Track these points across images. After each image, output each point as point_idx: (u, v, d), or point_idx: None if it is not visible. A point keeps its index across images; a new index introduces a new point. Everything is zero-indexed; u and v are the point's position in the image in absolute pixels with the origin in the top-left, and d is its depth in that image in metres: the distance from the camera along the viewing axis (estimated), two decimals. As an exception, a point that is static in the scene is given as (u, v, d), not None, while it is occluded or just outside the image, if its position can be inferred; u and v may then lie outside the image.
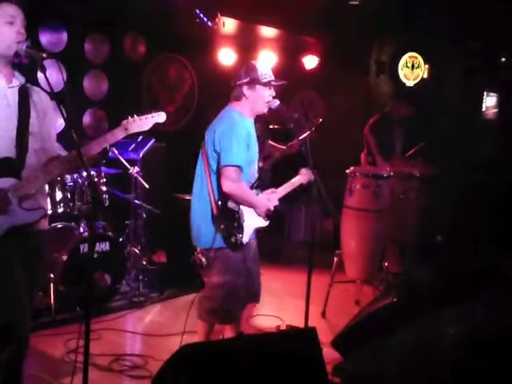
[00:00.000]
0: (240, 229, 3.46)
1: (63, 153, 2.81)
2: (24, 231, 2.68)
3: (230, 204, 3.44)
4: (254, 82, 3.50)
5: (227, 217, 3.43)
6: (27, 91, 2.74)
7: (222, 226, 3.41)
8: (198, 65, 7.50)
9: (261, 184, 3.67)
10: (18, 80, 2.74)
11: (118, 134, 2.75)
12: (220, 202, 3.43)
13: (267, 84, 3.51)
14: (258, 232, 3.75)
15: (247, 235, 3.51)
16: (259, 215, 3.57)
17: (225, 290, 3.50)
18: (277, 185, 3.79)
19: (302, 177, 3.83)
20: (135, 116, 2.78)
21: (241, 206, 3.47)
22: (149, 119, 2.81)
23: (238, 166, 3.37)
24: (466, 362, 2.59)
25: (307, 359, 2.63)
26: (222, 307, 3.54)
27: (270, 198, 3.65)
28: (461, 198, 5.71)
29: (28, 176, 2.65)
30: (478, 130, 7.02)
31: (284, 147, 4.62)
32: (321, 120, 4.26)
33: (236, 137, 3.39)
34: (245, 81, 3.51)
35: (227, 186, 3.35)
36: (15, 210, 2.61)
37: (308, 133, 4.68)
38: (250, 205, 3.50)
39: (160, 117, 2.85)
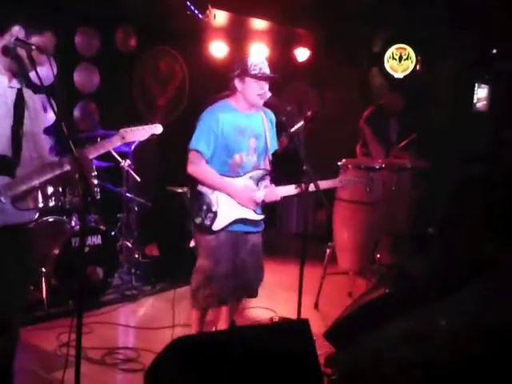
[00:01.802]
0: (210, 213, 3.54)
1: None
2: (15, 228, 2.68)
3: (201, 188, 3.57)
4: (243, 73, 3.51)
5: (196, 199, 3.57)
6: (23, 93, 2.76)
7: (191, 209, 3.58)
8: (190, 57, 7.45)
9: (259, 176, 3.67)
10: (19, 83, 2.75)
11: (115, 142, 2.84)
12: (190, 185, 3.62)
13: (256, 76, 3.51)
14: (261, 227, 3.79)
15: (222, 222, 3.56)
16: (243, 206, 3.60)
17: (203, 275, 3.60)
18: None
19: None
20: (132, 126, 2.86)
21: (216, 192, 3.56)
22: (146, 130, 2.91)
23: (197, 150, 3.53)
24: (459, 355, 2.60)
25: (300, 350, 2.64)
26: (200, 291, 3.62)
27: (270, 194, 3.65)
28: (454, 190, 5.73)
29: (22, 175, 2.65)
30: (469, 122, 7.04)
31: None
32: (312, 113, 4.22)
33: (201, 124, 3.57)
34: (235, 73, 3.54)
35: (188, 168, 3.58)
36: (8, 209, 2.60)
37: (298, 126, 4.66)
38: (219, 190, 3.58)
39: (157, 129, 2.96)
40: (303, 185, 3.50)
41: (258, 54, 3.75)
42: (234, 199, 3.58)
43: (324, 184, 3.70)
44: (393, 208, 5.25)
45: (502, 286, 2.89)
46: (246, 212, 3.63)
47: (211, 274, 3.57)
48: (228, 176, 3.59)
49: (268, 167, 3.78)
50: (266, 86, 3.56)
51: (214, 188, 3.57)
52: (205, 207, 3.55)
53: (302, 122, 4.71)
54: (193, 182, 3.60)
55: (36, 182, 2.68)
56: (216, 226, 3.55)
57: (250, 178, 3.64)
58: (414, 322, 2.89)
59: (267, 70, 3.55)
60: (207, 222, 3.54)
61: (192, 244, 3.80)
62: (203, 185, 3.57)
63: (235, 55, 3.97)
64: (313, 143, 4.31)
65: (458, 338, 2.64)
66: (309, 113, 4.20)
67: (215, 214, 3.54)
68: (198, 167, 3.55)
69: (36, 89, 2.85)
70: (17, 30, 2.62)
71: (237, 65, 3.57)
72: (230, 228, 3.60)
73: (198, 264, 3.66)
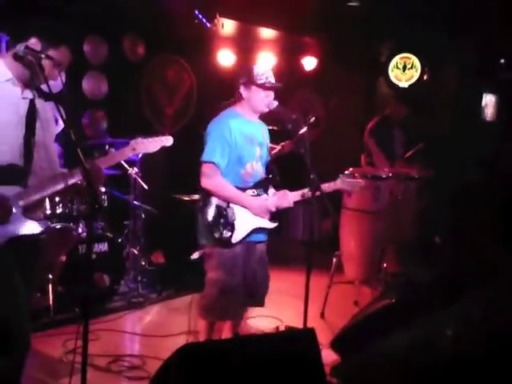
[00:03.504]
0: (228, 226, 3.49)
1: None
2: (24, 238, 2.67)
3: (216, 200, 3.50)
4: (249, 82, 3.55)
5: (212, 213, 3.49)
6: (35, 104, 2.77)
7: (206, 223, 3.48)
8: (197, 66, 7.49)
9: (266, 184, 3.68)
10: (31, 93, 2.77)
11: (127, 153, 2.85)
12: (202, 198, 3.53)
13: (261, 85, 3.54)
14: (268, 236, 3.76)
15: (240, 234, 3.52)
16: (257, 215, 3.58)
17: (218, 288, 3.53)
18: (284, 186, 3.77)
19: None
20: (142, 137, 2.87)
21: (231, 204, 3.51)
22: (157, 142, 2.90)
23: (213, 163, 3.46)
24: (466, 363, 2.59)
25: (306, 360, 2.63)
26: (215, 304, 3.56)
27: (282, 199, 3.64)
28: (459, 198, 5.71)
29: (34, 185, 2.66)
30: (475, 131, 7.02)
31: (277, 147, 4.62)
32: (313, 118, 4.21)
33: (214, 135, 3.51)
34: (241, 81, 3.58)
35: (202, 182, 3.50)
36: (18, 220, 2.60)
37: (302, 132, 4.65)
38: (235, 202, 3.53)
39: (168, 141, 2.94)
40: (310, 191, 3.51)
41: (264, 63, 3.76)
42: (249, 210, 3.56)
43: (328, 187, 3.72)
44: (399, 217, 5.24)
45: (507, 292, 2.88)
46: (261, 221, 3.61)
47: (226, 286, 3.51)
48: (240, 187, 3.55)
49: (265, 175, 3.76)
50: (272, 94, 3.59)
51: (230, 201, 3.51)
52: (222, 220, 3.48)
53: (305, 128, 4.71)
54: (205, 194, 3.52)
55: (48, 192, 2.68)
56: (235, 239, 3.50)
57: (260, 186, 3.64)
58: (419, 331, 2.88)
59: (273, 80, 3.58)
60: (226, 236, 3.48)
61: (195, 256, 3.75)
62: (218, 198, 3.50)
63: (241, 65, 3.98)
64: (318, 151, 4.30)
65: (463, 345, 2.64)
66: (312, 119, 4.20)
67: (233, 226, 3.50)
68: (213, 180, 3.47)
69: (45, 96, 2.87)
70: (33, 42, 2.65)
71: (243, 73, 3.61)
72: (246, 239, 3.57)
73: (210, 277, 3.58)
